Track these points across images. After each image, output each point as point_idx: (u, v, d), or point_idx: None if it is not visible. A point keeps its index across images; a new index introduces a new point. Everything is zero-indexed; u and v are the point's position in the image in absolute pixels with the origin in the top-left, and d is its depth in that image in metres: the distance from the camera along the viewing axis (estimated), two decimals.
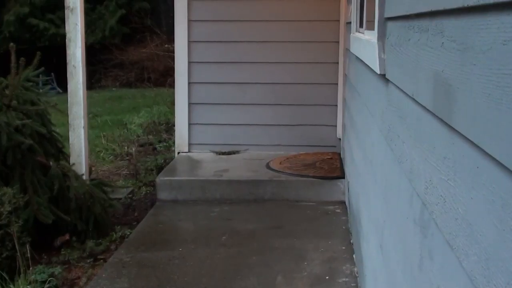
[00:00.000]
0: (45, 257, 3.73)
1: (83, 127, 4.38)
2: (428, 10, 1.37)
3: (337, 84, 5.50)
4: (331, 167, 4.99)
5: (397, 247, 1.84)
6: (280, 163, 5.17)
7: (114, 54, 15.04)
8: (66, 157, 4.33)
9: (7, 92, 3.86)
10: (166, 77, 12.84)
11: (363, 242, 2.96)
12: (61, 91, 12.85)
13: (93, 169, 5.28)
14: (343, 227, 4.07)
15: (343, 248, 3.67)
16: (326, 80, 5.56)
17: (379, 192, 2.32)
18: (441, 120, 1.23)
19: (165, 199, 4.70)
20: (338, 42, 5.45)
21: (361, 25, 3.58)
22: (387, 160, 2.07)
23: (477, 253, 0.97)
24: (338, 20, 5.43)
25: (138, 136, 7.68)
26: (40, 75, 4.98)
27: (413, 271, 1.55)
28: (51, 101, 4.41)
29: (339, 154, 5.37)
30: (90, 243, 3.81)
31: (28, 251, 3.33)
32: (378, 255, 2.28)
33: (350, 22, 4.25)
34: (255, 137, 5.64)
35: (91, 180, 4.35)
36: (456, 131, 1.11)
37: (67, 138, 4.47)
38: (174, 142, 5.98)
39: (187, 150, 5.67)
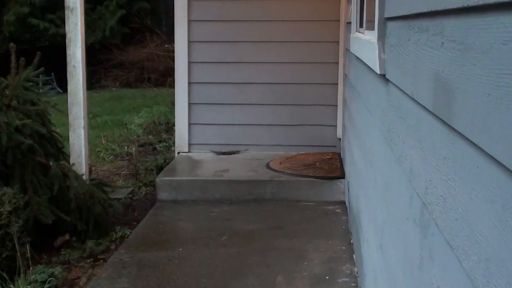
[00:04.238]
0: (45, 257, 3.73)
1: (83, 127, 4.38)
2: (428, 10, 1.37)
3: (337, 84, 5.50)
4: (331, 167, 4.99)
5: (397, 247, 1.84)
6: (280, 163, 5.17)
7: (114, 54, 15.04)
8: (66, 157, 4.33)
9: (7, 92, 3.86)
10: (166, 77, 12.84)
11: (363, 242, 2.96)
12: (61, 91, 12.86)
13: (93, 169, 5.28)
14: (343, 227, 4.07)
15: (343, 248, 3.67)
16: (326, 80, 5.56)
17: (379, 192, 2.32)
18: (441, 120, 1.23)
19: (165, 199, 4.70)
20: (338, 42, 5.45)
21: (361, 25, 3.58)
22: (387, 160, 2.07)
23: (477, 253, 0.97)
24: (338, 20, 5.43)
25: (138, 136, 7.68)
26: (40, 75, 4.98)
27: (413, 271, 1.55)
28: (51, 101, 4.41)
29: (339, 154, 5.37)
30: (90, 243, 3.80)
31: (28, 251, 3.33)
32: (378, 255, 2.28)
33: (350, 22, 4.25)
34: (255, 137, 5.64)
35: (91, 180, 4.35)
36: (456, 131, 1.11)
37: (67, 138, 4.46)
38: (174, 142, 5.98)
39: (187, 150, 5.67)
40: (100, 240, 3.90)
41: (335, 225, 4.14)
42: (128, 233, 4.05)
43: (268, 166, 5.11)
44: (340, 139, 5.46)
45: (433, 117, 1.32)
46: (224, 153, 5.58)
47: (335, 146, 5.56)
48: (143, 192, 5.20)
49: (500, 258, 0.86)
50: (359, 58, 3.27)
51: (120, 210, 4.56)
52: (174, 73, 5.76)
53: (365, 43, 2.85)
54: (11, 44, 3.97)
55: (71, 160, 4.32)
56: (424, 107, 1.41)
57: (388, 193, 2.06)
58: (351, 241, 3.76)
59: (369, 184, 2.73)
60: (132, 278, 3.26)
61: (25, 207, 3.55)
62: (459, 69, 1.10)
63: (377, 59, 2.21)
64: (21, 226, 3.36)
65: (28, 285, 3.15)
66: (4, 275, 3.20)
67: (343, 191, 4.63)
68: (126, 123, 8.51)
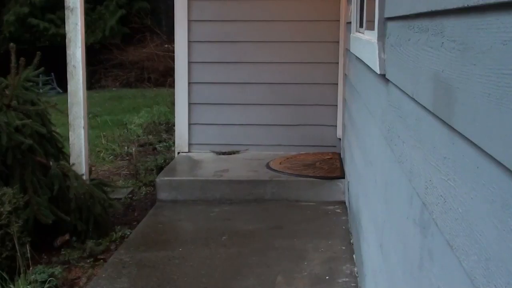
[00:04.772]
0: (45, 257, 3.73)
1: (83, 127, 4.38)
2: (428, 10, 1.37)
3: (337, 84, 5.50)
4: (331, 167, 4.99)
5: (397, 247, 1.84)
6: (280, 163, 5.17)
7: (114, 54, 15.04)
8: (66, 157, 4.33)
9: (7, 92, 3.86)
10: (166, 77, 12.84)
11: (363, 242, 2.96)
12: (61, 91, 12.86)
13: (93, 169, 5.28)
14: (343, 227, 4.07)
15: (343, 248, 3.67)
16: (326, 80, 5.56)
17: (379, 192, 2.32)
18: (441, 120, 1.23)
19: (165, 199, 4.70)
20: (338, 42, 5.45)
21: (361, 25, 3.58)
22: (387, 160, 2.07)
23: (477, 253, 0.97)
24: (338, 20, 5.43)
25: (138, 136, 7.68)
26: (40, 75, 4.98)
27: (413, 271, 1.55)
28: (51, 101, 4.41)
29: (339, 154, 5.37)
30: (90, 243, 3.80)
31: (28, 251, 3.33)
32: (378, 255, 2.28)
33: (350, 22, 4.25)
34: (255, 137, 5.64)
35: (91, 180, 4.35)
36: (456, 131, 1.11)
37: (67, 138, 4.46)
38: (174, 142, 5.98)
39: (187, 150, 5.67)
40: (100, 240, 3.90)
41: (335, 225, 4.14)
42: (128, 233, 4.05)
43: (268, 166, 5.11)
44: (340, 139, 5.46)
45: (433, 117, 1.32)
46: (224, 153, 5.58)
47: (335, 146, 5.56)
48: (143, 192, 5.20)
49: (500, 258, 0.86)
50: (359, 58, 3.27)
51: (120, 210, 4.56)
52: (174, 73, 5.76)
53: (365, 43, 2.85)
54: (11, 44, 3.97)
55: (71, 160, 4.32)
56: (424, 107, 1.41)
57: (388, 193, 2.06)
58: (351, 241, 3.76)
59: (369, 184, 2.73)
60: (132, 278, 3.26)
61: (25, 207, 3.55)
62: (459, 69, 1.10)
63: (377, 59, 2.21)
64: (21, 226, 3.36)
65: (28, 285, 3.15)
66: (4, 275, 3.20)
67: (343, 191, 4.63)
68: (126, 123, 8.51)
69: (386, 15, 2.15)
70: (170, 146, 6.81)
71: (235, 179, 4.78)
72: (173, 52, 5.90)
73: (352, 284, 3.15)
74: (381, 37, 2.23)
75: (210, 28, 5.58)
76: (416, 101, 1.52)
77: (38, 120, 3.95)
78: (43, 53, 4.17)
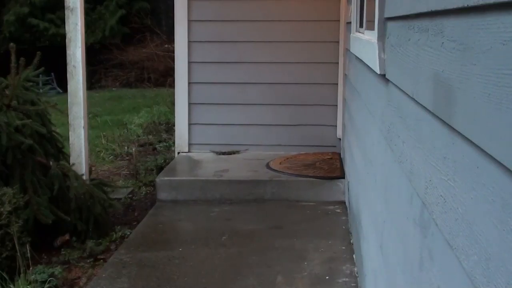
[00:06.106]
0: (45, 257, 3.73)
1: (83, 127, 4.37)
2: (428, 10, 1.37)
3: (337, 84, 5.50)
4: (331, 167, 4.99)
5: (397, 247, 1.84)
6: (280, 163, 5.17)
7: (114, 54, 15.05)
8: (66, 157, 4.33)
9: (7, 92, 3.86)
10: (166, 77, 12.84)
11: (363, 242, 2.97)
12: (61, 91, 12.86)
13: (93, 169, 5.27)
14: (343, 227, 4.07)
15: (343, 248, 3.67)
16: (326, 80, 5.56)
17: (379, 192, 2.32)
18: (441, 120, 1.23)
19: (165, 199, 4.70)
20: (338, 42, 5.45)
21: (361, 25, 3.58)
22: (387, 160, 2.07)
23: (477, 253, 0.97)
24: (338, 20, 5.43)
25: (138, 136, 7.69)
26: (40, 75, 4.98)
27: (413, 271, 1.55)
28: (51, 101, 4.41)
29: (339, 154, 5.37)
30: (90, 243, 3.80)
31: (28, 251, 3.33)
32: (378, 255, 2.28)
33: (350, 22, 4.25)
34: (255, 137, 5.64)
35: (91, 180, 4.35)
36: (456, 131, 1.11)
37: (67, 138, 4.46)
38: (174, 142, 5.98)
39: (187, 150, 5.67)
40: (100, 240, 3.90)
41: (335, 225, 4.14)
42: (128, 233, 4.05)
43: (268, 166, 5.11)
44: (340, 139, 5.46)
45: (433, 117, 1.32)
46: (224, 153, 5.58)
47: (335, 146, 5.56)
48: (143, 192, 5.20)
49: (500, 258, 0.86)
50: (359, 58, 3.27)
51: (120, 210, 4.56)
52: (174, 73, 5.76)
53: (365, 43, 2.85)
54: (11, 44, 3.97)
55: (71, 160, 4.32)
56: (424, 107, 1.41)
57: (388, 193, 2.06)
58: (351, 241, 3.76)
59: (369, 184, 2.73)
60: (132, 278, 3.26)
61: (25, 207, 3.55)
62: (459, 69, 1.10)
63: (377, 59, 2.21)
64: (21, 226, 3.36)
65: (28, 285, 3.15)
66: (4, 275, 3.20)
67: (343, 191, 4.63)
68: (126, 123, 8.51)
69: (386, 15, 2.15)
70: (170, 146, 6.82)
71: (235, 179, 4.78)
72: (173, 52, 5.90)
73: (352, 284, 3.15)
74: (381, 37, 2.23)
75: (210, 28, 5.58)
76: (416, 101, 1.52)
77: (38, 120, 3.95)
78: (43, 53, 4.17)
